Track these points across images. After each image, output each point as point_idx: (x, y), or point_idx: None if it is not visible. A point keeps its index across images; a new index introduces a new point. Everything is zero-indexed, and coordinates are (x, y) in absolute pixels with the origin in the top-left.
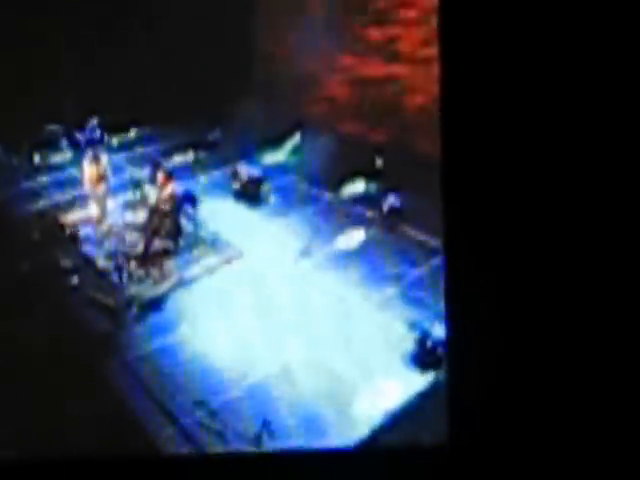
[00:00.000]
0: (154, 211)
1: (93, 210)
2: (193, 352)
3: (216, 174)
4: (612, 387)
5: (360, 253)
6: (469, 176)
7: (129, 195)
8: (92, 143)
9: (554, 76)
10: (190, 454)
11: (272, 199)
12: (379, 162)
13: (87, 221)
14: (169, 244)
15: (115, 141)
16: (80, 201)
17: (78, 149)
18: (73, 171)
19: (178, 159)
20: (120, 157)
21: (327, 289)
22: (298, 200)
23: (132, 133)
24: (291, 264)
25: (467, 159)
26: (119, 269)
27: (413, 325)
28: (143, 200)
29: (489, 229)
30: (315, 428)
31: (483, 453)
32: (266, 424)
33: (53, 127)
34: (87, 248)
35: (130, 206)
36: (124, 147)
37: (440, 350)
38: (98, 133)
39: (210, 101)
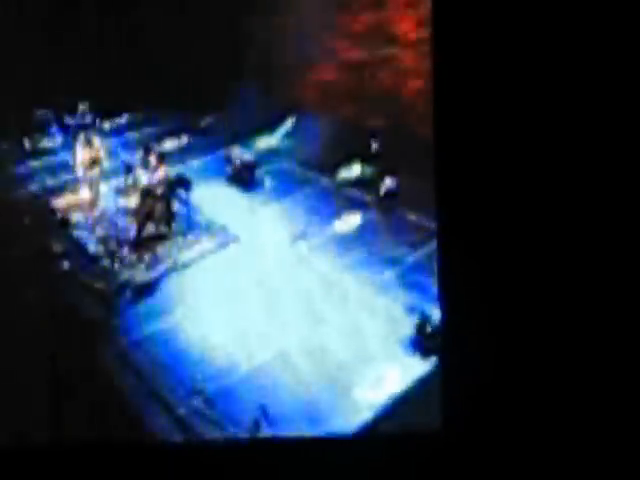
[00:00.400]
0: (146, 194)
1: (85, 194)
2: (188, 337)
3: (209, 159)
4: (608, 374)
5: (357, 237)
6: (463, 160)
7: (121, 180)
8: (83, 127)
9: (550, 60)
10: (186, 441)
11: (268, 183)
12: (375, 145)
13: (79, 206)
14: (162, 228)
15: (107, 126)
16: (71, 185)
17: (69, 134)
18: (64, 155)
19: (171, 144)
20: (111, 142)
21: (325, 273)
22: (293, 184)
23: (123, 119)
24: (288, 249)
25: (461, 142)
26: (111, 254)
27: (412, 309)
28: (135, 184)
29: (485, 213)
30: (314, 414)
31: (477, 440)
32: (264, 410)
33: (43, 111)
34: (79, 233)
35: (122, 191)
36: (115, 132)
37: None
38: (89, 118)
39: (203, 86)
